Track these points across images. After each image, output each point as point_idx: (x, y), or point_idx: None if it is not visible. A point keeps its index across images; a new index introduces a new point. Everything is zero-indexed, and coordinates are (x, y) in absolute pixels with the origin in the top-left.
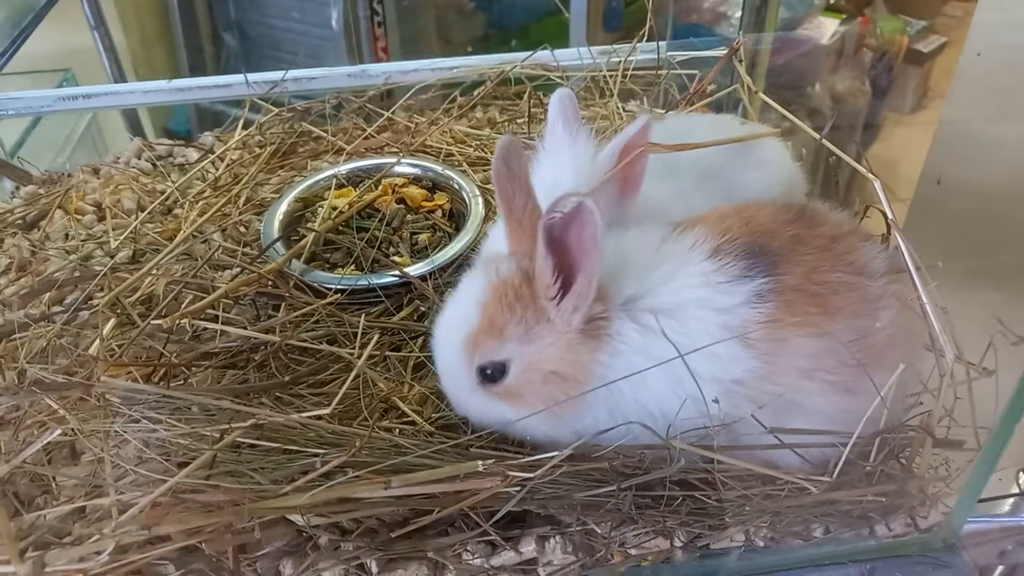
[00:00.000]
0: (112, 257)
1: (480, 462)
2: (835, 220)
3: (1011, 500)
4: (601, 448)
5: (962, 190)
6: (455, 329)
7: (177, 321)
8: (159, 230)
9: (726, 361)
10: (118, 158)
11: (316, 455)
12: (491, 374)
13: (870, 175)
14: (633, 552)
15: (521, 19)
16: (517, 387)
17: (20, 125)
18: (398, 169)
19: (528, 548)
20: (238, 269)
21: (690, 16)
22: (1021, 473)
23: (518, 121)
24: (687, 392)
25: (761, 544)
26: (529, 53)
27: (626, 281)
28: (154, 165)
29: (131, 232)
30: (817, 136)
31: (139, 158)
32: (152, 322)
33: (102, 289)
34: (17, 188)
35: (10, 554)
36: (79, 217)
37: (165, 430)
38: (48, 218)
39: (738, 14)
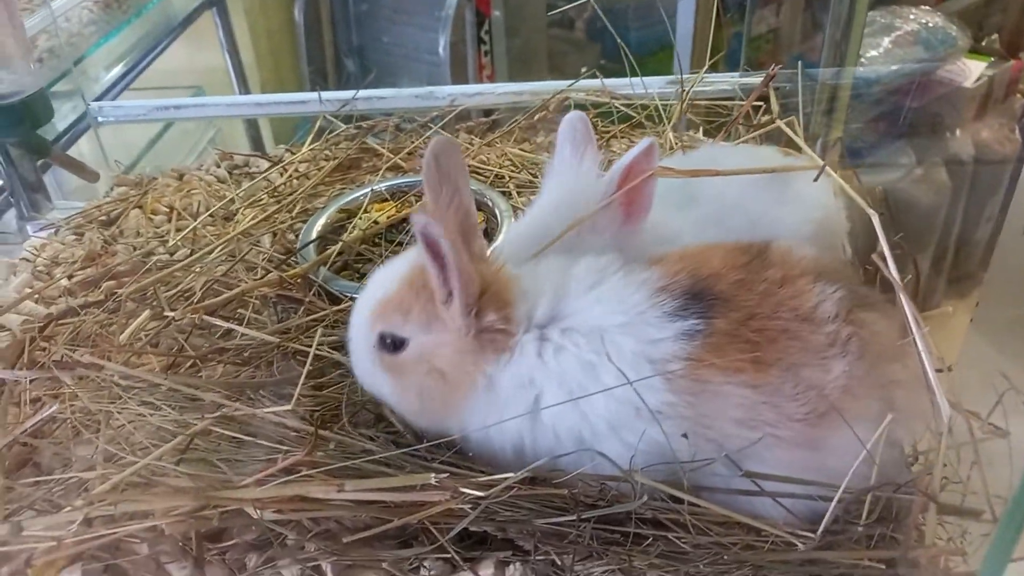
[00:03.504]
0: (171, 255)
1: (433, 475)
2: (789, 261)
3: None
4: (562, 474)
5: None
6: (376, 287)
7: (196, 315)
8: (216, 233)
9: (639, 387)
10: (200, 165)
11: (281, 451)
12: (390, 344)
13: (869, 210)
14: None
15: (636, 52)
16: (403, 366)
17: (152, 131)
18: None
19: (487, 572)
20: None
21: (817, 54)
22: None
23: None
24: (584, 409)
25: None
26: (574, 80)
27: (551, 302)
28: (229, 173)
29: (190, 232)
30: (821, 162)
31: (218, 166)
32: (173, 316)
33: (158, 283)
34: (112, 189)
35: None
36: (152, 216)
37: (150, 415)
38: (124, 215)
39: (870, 53)
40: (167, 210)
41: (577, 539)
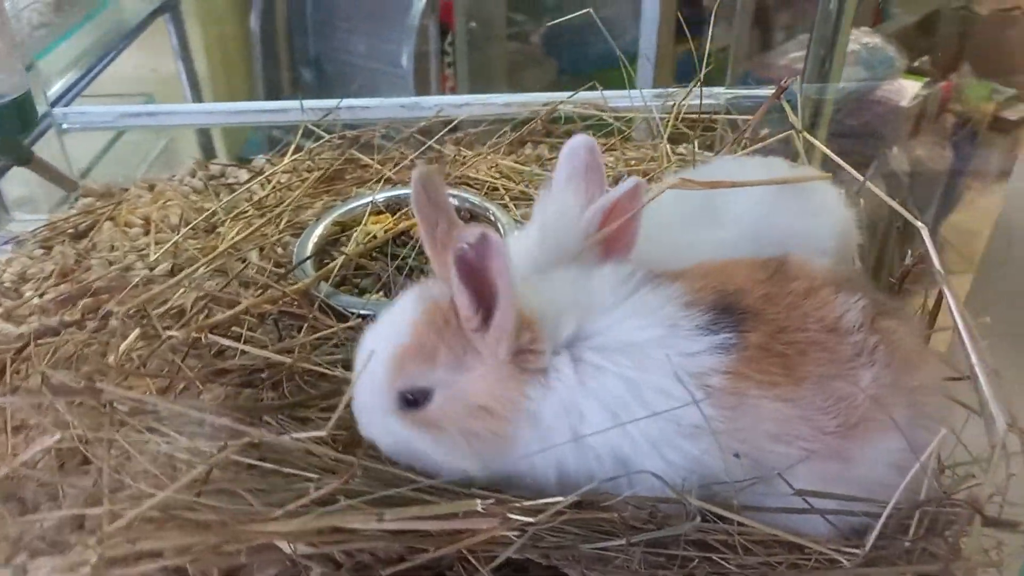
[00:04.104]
0: (151, 270)
1: (479, 501)
2: (809, 273)
3: None
4: (611, 497)
5: None
6: (383, 345)
7: (200, 335)
8: (199, 246)
9: (680, 402)
10: (173, 175)
11: (312, 480)
12: (413, 399)
13: (917, 223)
14: None
15: (593, 67)
16: (438, 418)
17: (101, 140)
18: None
19: None
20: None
21: (766, 72)
22: None
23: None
24: (633, 428)
25: None
26: (572, 93)
27: (575, 319)
28: (206, 185)
29: (171, 246)
30: (860, 177)
31: (193, 176)
32: (171, 335)
33: (148, 300)
34: (76, 199)
35: None
36: (127, 229)
37: (166, 443)
38: (97, 228)
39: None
40: (141, 222)
41: (625, 564)
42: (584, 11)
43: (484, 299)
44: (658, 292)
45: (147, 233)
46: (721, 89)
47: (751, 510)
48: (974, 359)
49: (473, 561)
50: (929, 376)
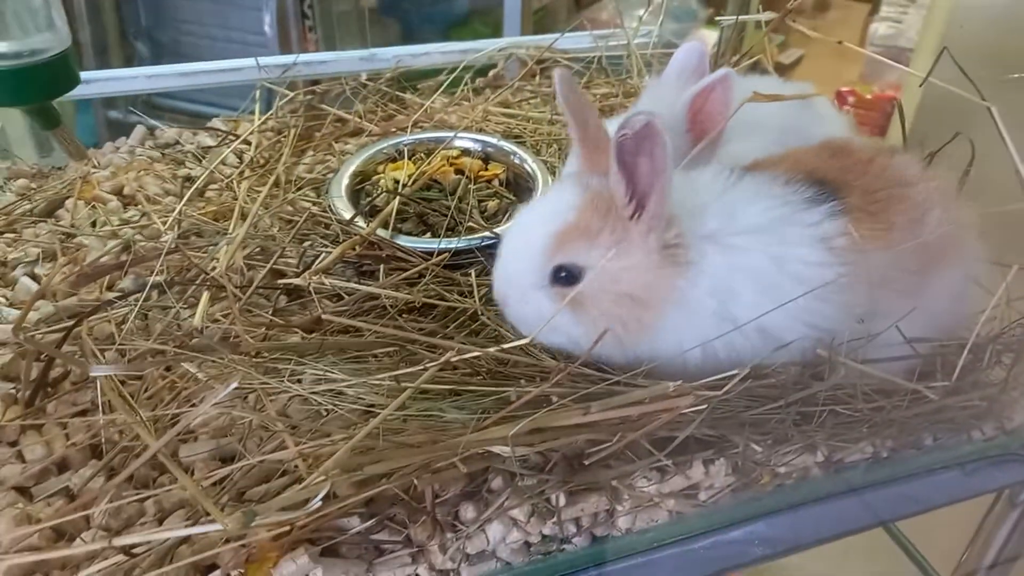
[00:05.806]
0: (156, 239)
1: (670, 384)
2: (860, 146)
3: None
4: (765, 366)
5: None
6: (544, 222)
7: (316, 279)
8: (203, 212)
9: (818, 266)
10: (119, 147)
11: (498, 392)
12: (565, 277)
13: (984, 102)
14: (781, 470)
15: (439, 27)
16: (586, 298)
17: None
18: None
19: (696, 472)
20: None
21: (590, 27)
22: None
23: (531, 101)
24: (782, 298)
25: (884, 455)
26: (555, 35)
27: (707, 214)
28: (162, 153)
29: (177, 214)
30: (922, 77)
31: (142, 145)
32: (288, 282)
33: (159, 272)
34: (6, 181)
35: (210, 510)
36: (101, 204)
37: (343, 381)
38: (72, 207)
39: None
40: (114, 196)
41: (778, 424)
42: None
43: (638, 189)
44: (758, 179)
45: (126, 206)
46: (652, 28)
47: (871, 362)
48: None
49: (645, 444)
50: (969, 213)
